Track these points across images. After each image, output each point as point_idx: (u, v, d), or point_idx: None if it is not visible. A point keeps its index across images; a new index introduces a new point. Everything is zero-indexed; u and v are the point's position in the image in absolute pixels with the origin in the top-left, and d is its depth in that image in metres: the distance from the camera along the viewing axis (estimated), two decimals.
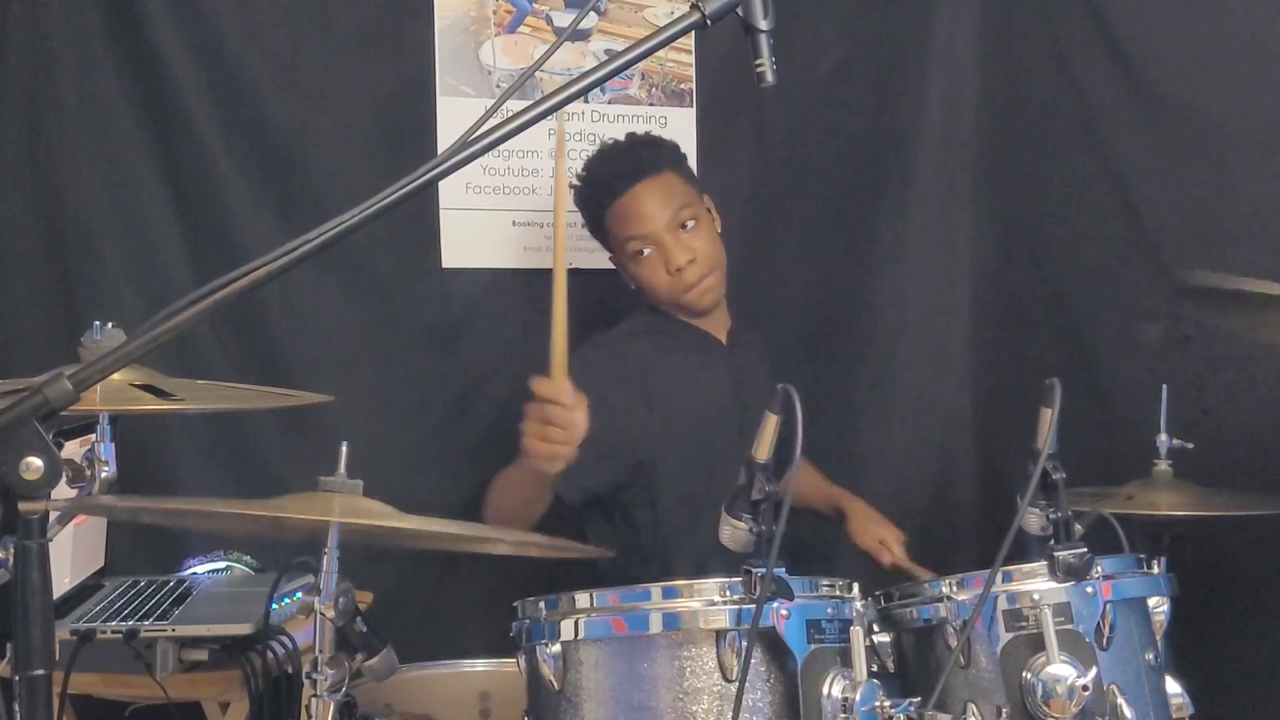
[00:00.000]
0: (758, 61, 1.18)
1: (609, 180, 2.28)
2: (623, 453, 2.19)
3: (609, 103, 2.75)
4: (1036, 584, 1.49)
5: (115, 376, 1.34)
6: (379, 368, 2.64)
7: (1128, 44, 2.50)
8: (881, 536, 2.36)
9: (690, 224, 2.24)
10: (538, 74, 2.60)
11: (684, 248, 2.23)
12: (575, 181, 2.34)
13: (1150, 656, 1.54)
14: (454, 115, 2.61)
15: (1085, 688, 1.43)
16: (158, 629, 1.96)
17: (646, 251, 2.24)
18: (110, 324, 1.45)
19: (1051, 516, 1.52)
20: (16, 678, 1.03)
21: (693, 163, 2.78)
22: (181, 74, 2.47)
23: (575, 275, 2.71)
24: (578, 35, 2.71)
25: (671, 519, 2.23)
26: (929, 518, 2.89)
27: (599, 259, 2.70)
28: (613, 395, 2.19)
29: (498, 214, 2.68)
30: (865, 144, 2.88)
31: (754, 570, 1.41)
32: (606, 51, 2.71)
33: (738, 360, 2.36)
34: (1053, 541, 1.51)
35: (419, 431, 2.66)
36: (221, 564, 2.40)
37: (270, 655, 1.95)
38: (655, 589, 1.47)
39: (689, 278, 2.23)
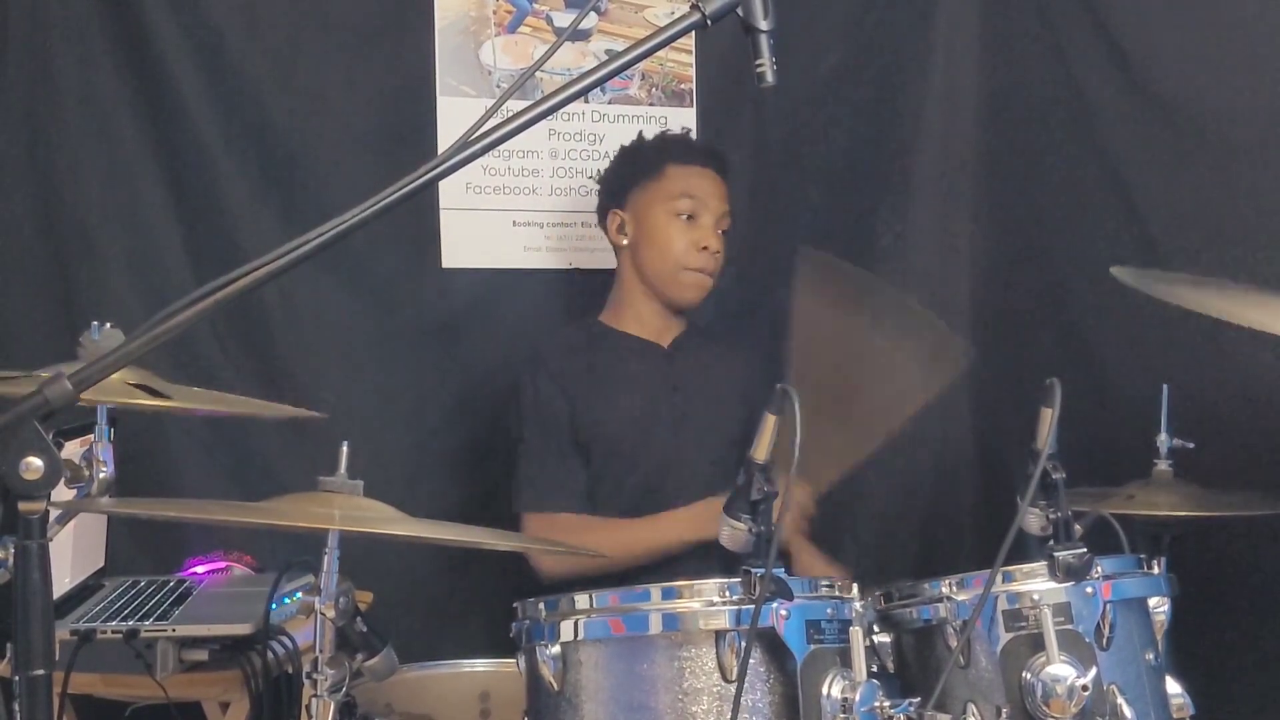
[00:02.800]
0: (758, 61, 1.18)
1: (696, 147, 2.42)
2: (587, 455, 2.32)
3: (609, 103, 2.75)
4: (1036, 584, 1.49)
5: (113, 376, 1.33)
6: (379, 368, 2.64)
7: (1128, 44, 2.50)
8: None
9: (723, 232, 2.36)
10: (538, 74, 2.59)
11: (719, 238, 2.33)
12: (645, 136, 2.46)
13: (1150, 656, 1.54)
14: (454, 115, 2.61)
15: (1085, 688, 1.42)
16: (158, 629, 1.96)
17: (688, 218, 2.31)
18: (110, 324, 1.46)
19: (1051, 517, 1.52)
20: (16, 678, 1.03)
21: None
22: (181, 74, 2.47)
23: (576, 275, 2.73)
24: (578, 35, 2.71)
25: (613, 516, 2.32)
26: (929, 518, 2.89)
27: (600, 259, 2.71)
28: (558, 411, 2.32)
29: (498, 214, 2.68)
30: (865, 144, 2.88)
31: (753, 571, 1.41)
32: (606, 51, 2.71)
33: (678, 365, 2.39)
34: (1053, 542, 1.51)
35: (419, 431, 2.66)
36: (221, 564, 2.40)
37: (270, 655, 1.94)
38: (654, 589, 1.47)
39: (707, 262, 2.31)
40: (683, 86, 2.80)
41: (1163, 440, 2.08)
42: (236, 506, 1.86)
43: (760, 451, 1.49)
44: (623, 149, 2.47)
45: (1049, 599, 1.47)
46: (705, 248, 2.30)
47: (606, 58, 1.24)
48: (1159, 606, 1.58)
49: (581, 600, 1.47)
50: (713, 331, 2.55)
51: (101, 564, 2.36)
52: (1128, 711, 1.45)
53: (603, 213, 2.43)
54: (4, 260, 2.43)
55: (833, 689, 1.41)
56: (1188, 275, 1.91)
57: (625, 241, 2.38)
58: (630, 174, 2.40)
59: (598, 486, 2.32)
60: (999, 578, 1.47)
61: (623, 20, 2.74)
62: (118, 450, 1.47)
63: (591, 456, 2.32)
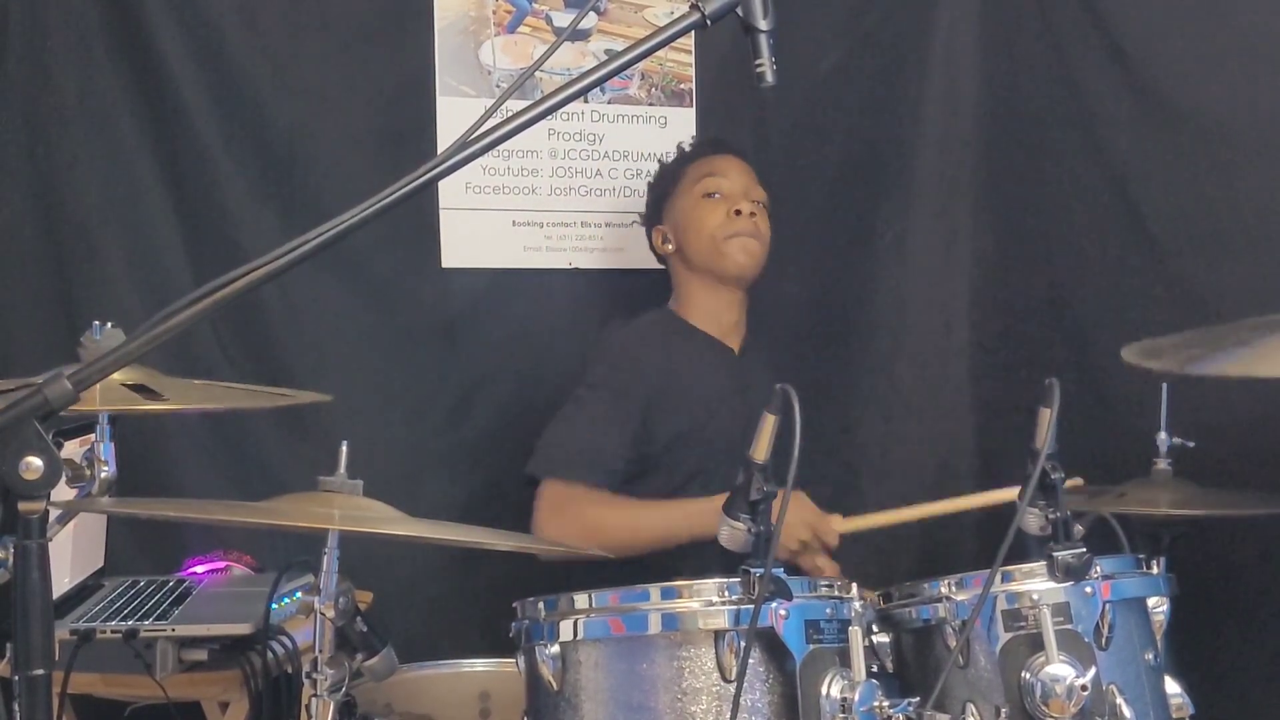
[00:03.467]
0: (758, 61, 1.18)
1: (705, 141, 2.49)
2: (641, 438, 2.22)
3: (609, 103, 2.75)
4: (1036, 584, 1.49)
5: (112, 376, 1.34)
6: (379, 368, 2.64)
7: (1128, 44, 2.50)
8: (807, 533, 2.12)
9: (758, 205, 2.37)
10: (537, 74, 2.59)
11: (751, 204, 2.35)
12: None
13: (1150, 656, 1.54)
14: (454, 115, 2.61)
15: (1084, 688, 1.43)
16: (158, 629, 1.96)
17: (716, 195, 2.35)
18: (110, 324, 1.46)
19: (1051, 516, 1.52)
20: (16, 677, 1.03)
21: None
22: (181, 74, 2.47)
23: (576, 275, 2.73)
24: (578, 35, 2.71)
25: None
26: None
27: (600, 259, 2.72)
28: (639, 381, 2.25)
29: (498, 214, 2.68)
30: (865, 144, 2.88)
31: (752, 570, 1.41)
32: (606, 51, 2.71)
33: (747, 368, 2.39)
34: (1052, 542, 1.51)
35: (419, 431, 2.66)
36: (221, 564, 2.40)
37: (270, 655, 1.95)
38: (654, 589, 1.47)
39: (744, 225, 2.32)
40: (682, 86, 2.80)
41: (1162, 439, 2.09)
42: (236, 506, 1.87)
43: (759, 451, 1.49)
44: (649, 182, 2.54)
45: (1048, 599, 1.47)
46: (739, 211, 2.32)
47: (606, 58, 1.23)
48: (1158, 606, 1.58)
49: (581, 600, 1.47)
50: (775, 337, 2.55)
51: (101, 564, 2.36)
52: (1127, 711, 1.45)
53: (650, 241, 2.47)
54: (4, 260, 2.43)
55: (832, 689, 1.41)
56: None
57: (670, 247, 2.41)
58: (660, 193, 2.46)
59: (653, 475, 2.28)
60: (998, 578, 1.47)
61: (622, 20, 2.74)
62: (117, 450, 1.47)
63: (655, 443, 2.24)
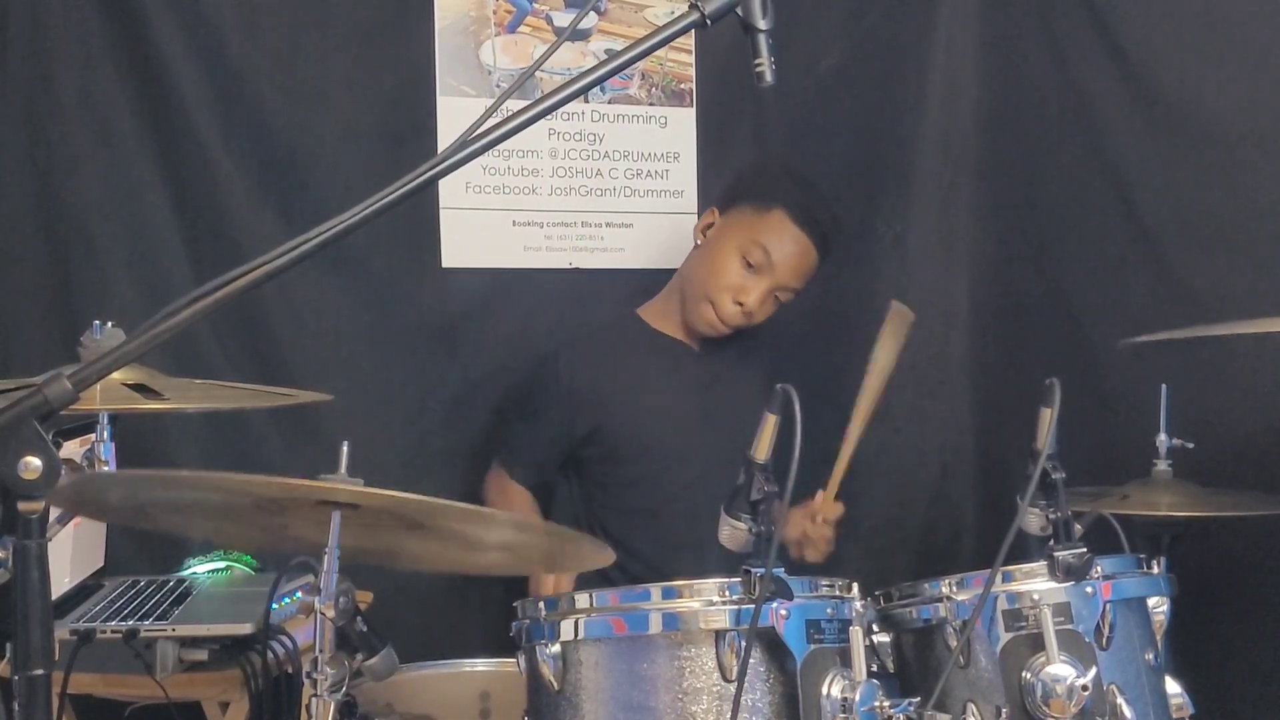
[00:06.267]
0: (757, 61, 1.18)
1: (811, 214, 2.34)
2: (564, 444, 2.41)
3: (609, 102, 2.75)
4: (1036, 584, 1.49)
5: (112, 376, 1.33)
6: (379, 368, 2.64)
7: (1128, 44, 2.50)
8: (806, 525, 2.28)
9: (781, 299, 2.37)
10: (537, 74, 2.59)
11: (762, 306, 2.34)
12: (781, 174, 2.44)
13: (1150, 656, 1.54)
14: (454, 115, 2.61)
15: (1085, 688, 1.43)
16: (158, 629, 1.96)
17: (751, 266, 2.31)
18: (110, 324, 1.45)
19: (1051, 516, 1.52)
20: (16, 677, 1.03)
21: (692, 162, 2.79)
22: (181, 74, 2.47)
23: (576, 275, 2.73)
24: (578, 35, 2.71)
25: (634, 516, 2.37)
26: (929, 518, 2.89)
27: (600, 259, 2.72)
28: (573, 406, 2.38)
29: (498, 214, 2.68)
30: (865, 144, 2.88)
31: (753, 570, 1.41)
32: (606, 51, 2.71)
33: (710, 366, 2.41)
34: (1052, 541, 1.51)
35: (419, 431, 2.66)
36: (221, 564, 2.40)
37: (270, 655, 1.94)
38: (655, 589, 1.47)
39: (729, 314, 2.33)
40: (683, 86, 2.80)
41: (1162, 440, 2.09)
42: (239, 486, 1.84)
43: (760, 451, 1.49)
44: (761, 159, 2.53)
45: (1049, 599, 1.47)
46: (740, 303, 2.31)
47: (606, 57, 1.23)
48: (1158, 606, 1.58)
49: (582, 600, 1.47)
50: (774, 337, 2.55)
51: (101, 564, 2.36)
52: (1127, 711, 1.45)
53: (700, 210, 2.49)
54: (4, 260, 2.43)
55: (833, 689, 1.41)
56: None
57: (699, 242, 2.42)
58: (748, 186, 2.42)
59: (624, 485, 2.36)
60: (999, 577, 1.47)
61: (623, 20, 2.73)
62: (117, 450, 1.47)
63: (619, 452, 2.35)
